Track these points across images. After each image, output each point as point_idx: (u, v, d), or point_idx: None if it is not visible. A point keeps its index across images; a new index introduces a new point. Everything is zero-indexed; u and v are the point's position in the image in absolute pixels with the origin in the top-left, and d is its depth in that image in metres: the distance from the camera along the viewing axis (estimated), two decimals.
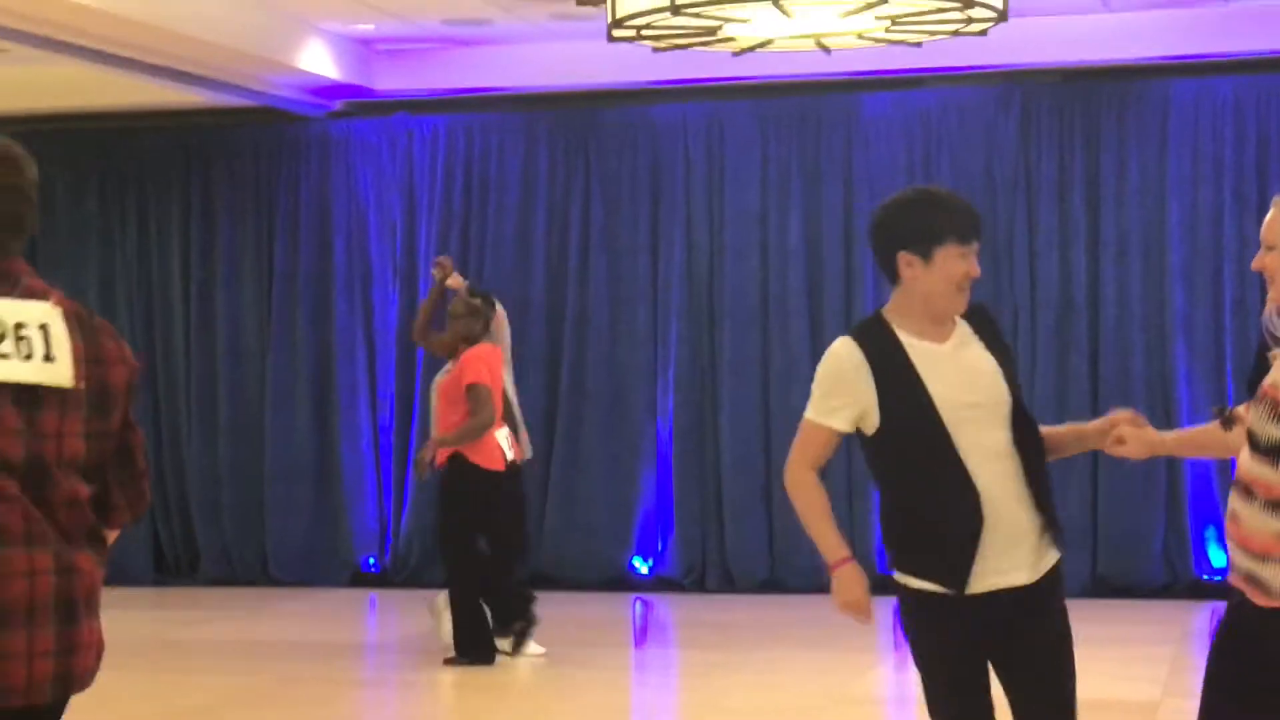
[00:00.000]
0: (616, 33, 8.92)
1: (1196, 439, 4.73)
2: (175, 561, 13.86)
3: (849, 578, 4.67)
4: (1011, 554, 4.56)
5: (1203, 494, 12.23)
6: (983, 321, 4.71)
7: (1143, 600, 12.16)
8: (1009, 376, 4.64)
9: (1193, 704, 8.61)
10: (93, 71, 11.78)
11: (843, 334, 4.70)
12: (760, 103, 12.98)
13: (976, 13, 8.67)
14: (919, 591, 4.60)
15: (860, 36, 9.31)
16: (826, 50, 9.54)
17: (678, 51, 9.88)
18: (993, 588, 4.54)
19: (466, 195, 13.42)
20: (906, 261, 4.56)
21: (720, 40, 9.29)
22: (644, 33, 9.02)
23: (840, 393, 4.58)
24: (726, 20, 8.81)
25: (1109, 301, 12.43)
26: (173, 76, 11.90)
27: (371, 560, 13.55)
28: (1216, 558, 12.23)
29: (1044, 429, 4.75)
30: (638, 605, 12.59)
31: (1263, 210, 13.30)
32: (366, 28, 12.35)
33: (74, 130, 13.83)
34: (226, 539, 13.70)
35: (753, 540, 12.79)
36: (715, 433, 12.90)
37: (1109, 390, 12.37)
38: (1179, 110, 12.34)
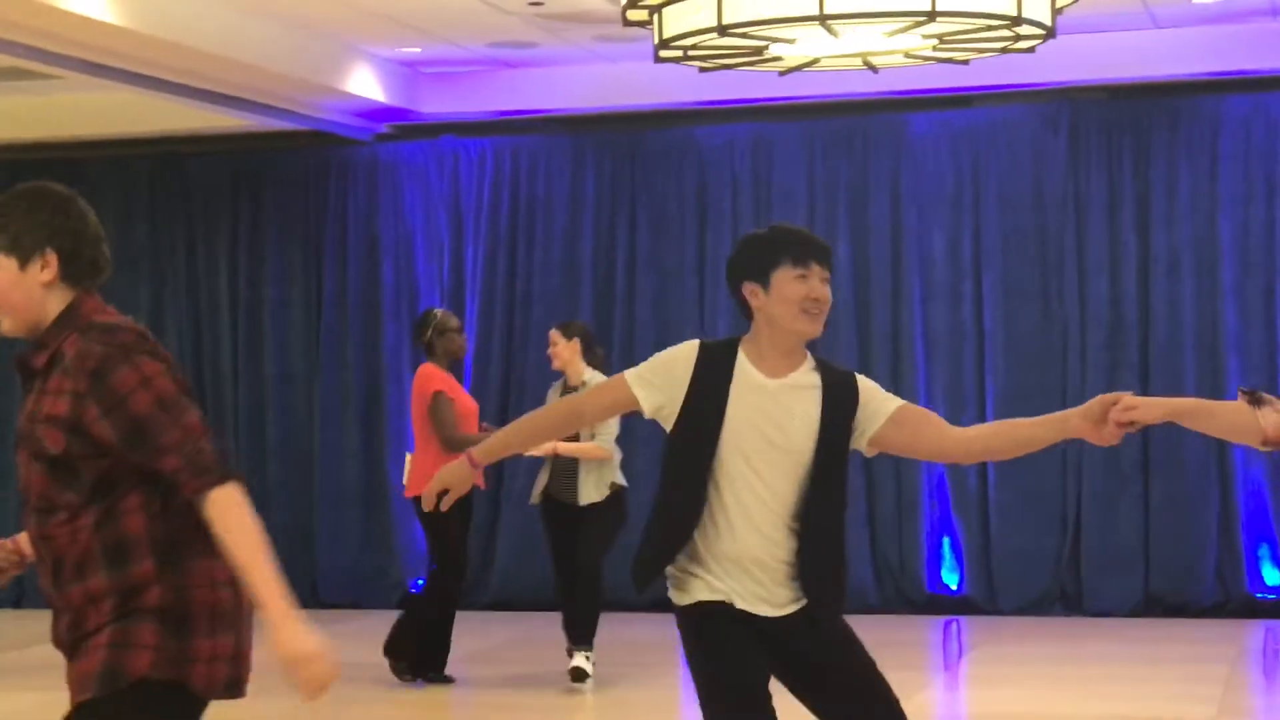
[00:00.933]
0: (663, 53, 8.93)
1: (1212, 408, 4.71)
2: None
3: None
4: (739, 580, 4.71)
5: (1256, 512, 12.14)
6: (840, 387, 4.79)
7: (1196, 619, 12.07)
8: (828, 439, 4.73)
9: None
10: (141, 97, 11.85)
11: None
12: (807, 123, 12.96)
13: (1024, 30, 8.64)
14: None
15: (907, 55, 9.29)
16: (873, 69, 9.52)
17: (724, 72, 9.88)
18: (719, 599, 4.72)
19: (513, 217, 13.44)
20: (750, 291, 4.78)
21: (767, 60, 9.28)
22: (690, 53, 9.02)
23: (659, 376, 4.80)
24: (773, 40, 8.80)
25: (1160, 319, 12.35)
26: (221, 101, 11.96)
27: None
28: (1270, 575, 12.13)
29: (1021, 421, 4.86)
30: None
31: None
32: (413, 51, 12.39)
33: (123, 156, 13.92)
34: (276, 562, 13.69)
35: None
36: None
37: None
38: (1229, 126, 12.27)
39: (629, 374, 4.87)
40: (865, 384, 4.85)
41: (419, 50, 12.36)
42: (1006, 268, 12.58)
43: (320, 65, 11.89)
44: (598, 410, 5.15)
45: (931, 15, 8.23)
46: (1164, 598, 12.28)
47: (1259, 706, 9.82)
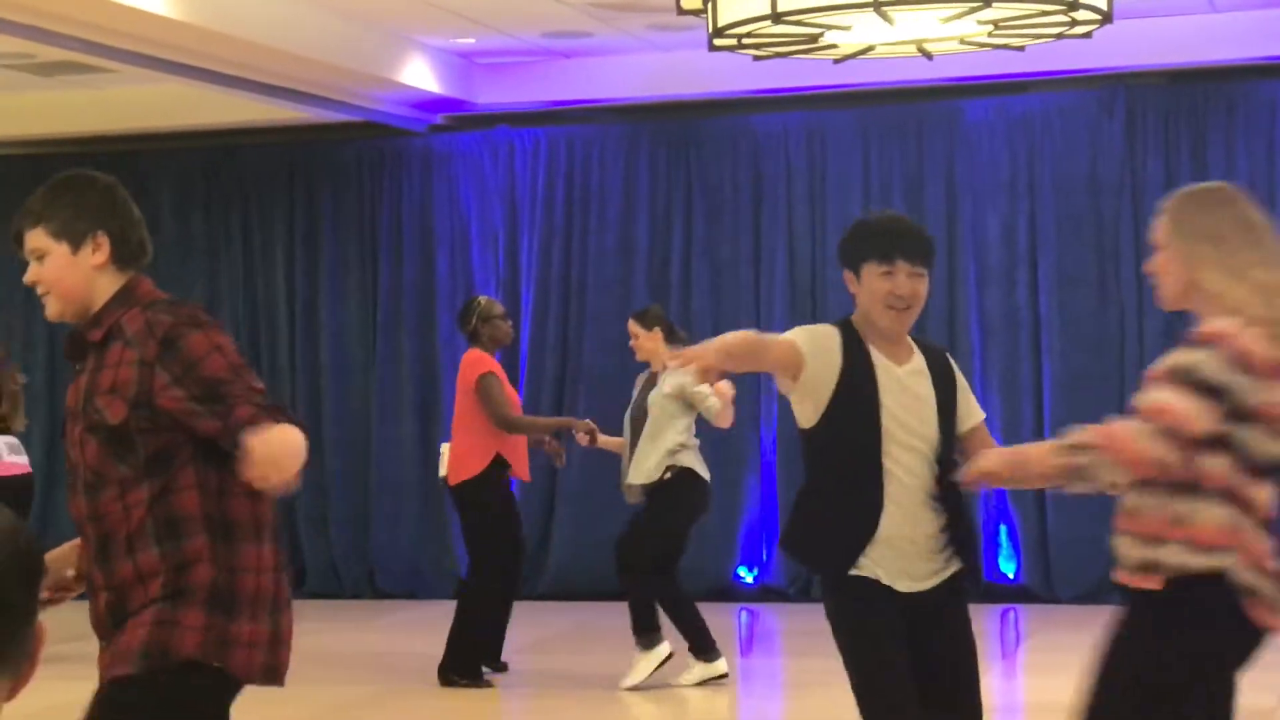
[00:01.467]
0: (718, 42, 8.90)
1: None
2: None
3: None
4: (888, 558, 4.77)
5: None
6: (940, 366, 4.94)
7: None
8: (945, 419, 4.85)
9: None
10: (196, 90, 11.91)
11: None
12: (862, 110, 12.92)
13: (1080, 15, 8.58)
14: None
15: (962, 41, 9.23)
16: (928, 56, 9.47)
17: (778, 60, 9.84)
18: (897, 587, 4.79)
19: (568, 206, 13.44)
20: (849, 279, 4.91)
21: (821, 48, 9.25)
22: (745, 41, 8.99)
23: (819, 351, 4.78)
24: (828, 28, 8.76)
25: None
26: (276, 93, 12.00)
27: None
28: None
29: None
30: (743, 615, 12.55)
31: None
32: (467, 42, 12.40)
33: (179, 149, 13.98)
34: (334, 552, 13.78)
35: None
36: None
37: None
38: None
39: (798, 338, 4.82)
40: (957, 370, 5.01)
41: (473, 41, 12.37)
42: (1062, 253, 12.52)
43: (375, 56, 11.92)
44: (773, 362, 4.94)
45: (987, 1, 8.19)
46: None
47: None
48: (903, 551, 4.77)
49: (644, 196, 13.31)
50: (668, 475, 9.51)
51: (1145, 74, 12.37)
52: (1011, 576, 12.52)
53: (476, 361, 9.84)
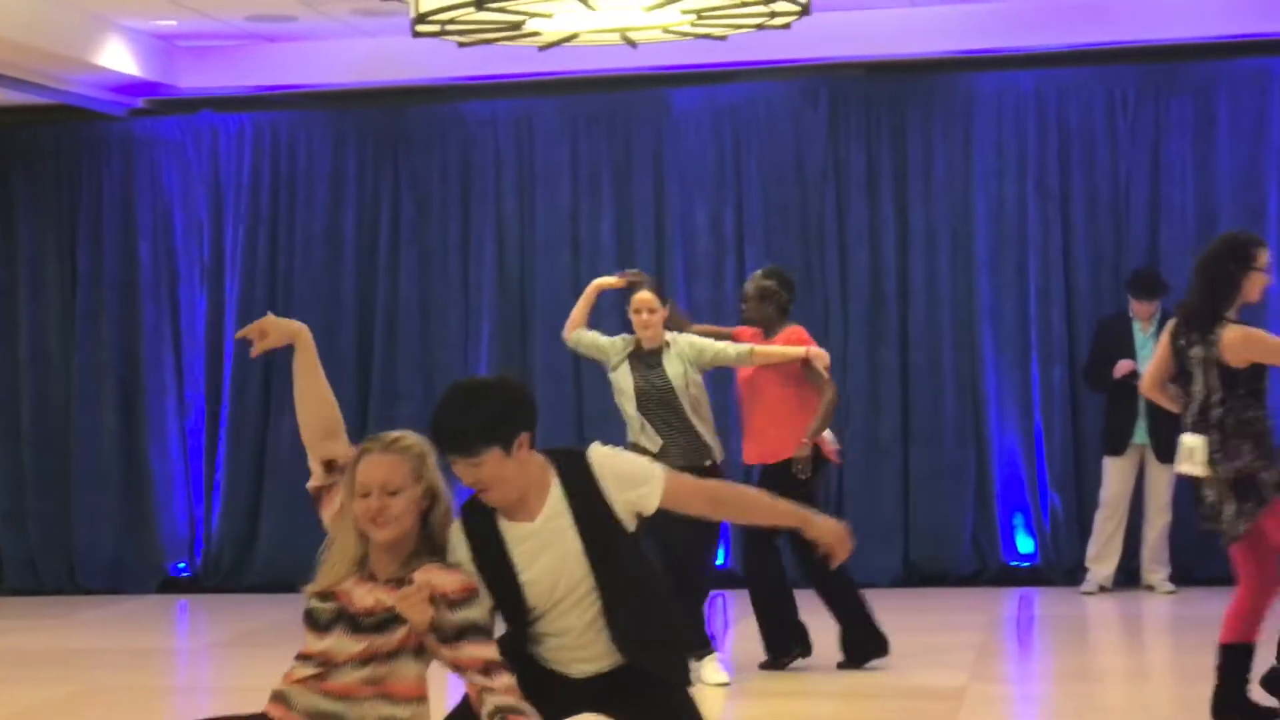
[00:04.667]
0: (420, 28, 8.84)
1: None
2: None
3: None
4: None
5: (1010, 481, 12.40)
6: (576, 475, 4.91)
7: (953, 588, 12.31)
8: (596, 538, 4.84)
9: (998, 689, 8.75)
10: None
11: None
12: (570, 98, 12.95)
13: (780, 6, 8.70)
14: None
15: (666, 30, 9.30)
16: (632, 44, 9.53)
17: (485, 47, 9.82)
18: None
19: (274, 194, 13.24)
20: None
21: (525, 35, 9.24)
22: (448, 28, 8.94)
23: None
24: (531, 15, 8.76)
25: (918, 292, 12.56)
26: None
27: (182, 565, 13.34)
28: (1024, 544, 12.41)
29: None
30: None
31: (1066, 202, 13.57)
32: (169, 24, 12.14)
33: None
34: (32, 547, 13.41)
35: None
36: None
37: (919, 380, 12.50)
38: (982, 104, 12.50)
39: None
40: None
41: (175, 23, 12.11)
42: (769, 242, 12.69)
43: (70, 37, 11.59)
44: None
45: None
46: (922, 567, 12.51)
47: (1009, 673, 10.04)
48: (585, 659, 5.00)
49: (351, 183, 13.17)
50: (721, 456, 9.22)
51: (846, 65, 12.60)
52: (720, 563, 12.67)
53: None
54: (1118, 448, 11.71)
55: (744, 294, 9.62)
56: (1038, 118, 12.42)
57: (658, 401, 9.10)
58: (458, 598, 4.70)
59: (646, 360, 9.20)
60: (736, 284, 12.71)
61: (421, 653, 4.74)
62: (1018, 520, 12.40)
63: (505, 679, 4.68)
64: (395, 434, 4.89)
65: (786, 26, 9.29)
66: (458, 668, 4.72)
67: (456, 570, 4.77)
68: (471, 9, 8.43)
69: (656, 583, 5.03)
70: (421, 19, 8.64)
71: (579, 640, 4.90)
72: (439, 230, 13.07)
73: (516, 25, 8.97)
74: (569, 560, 4.82)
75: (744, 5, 8.73)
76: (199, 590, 13.18)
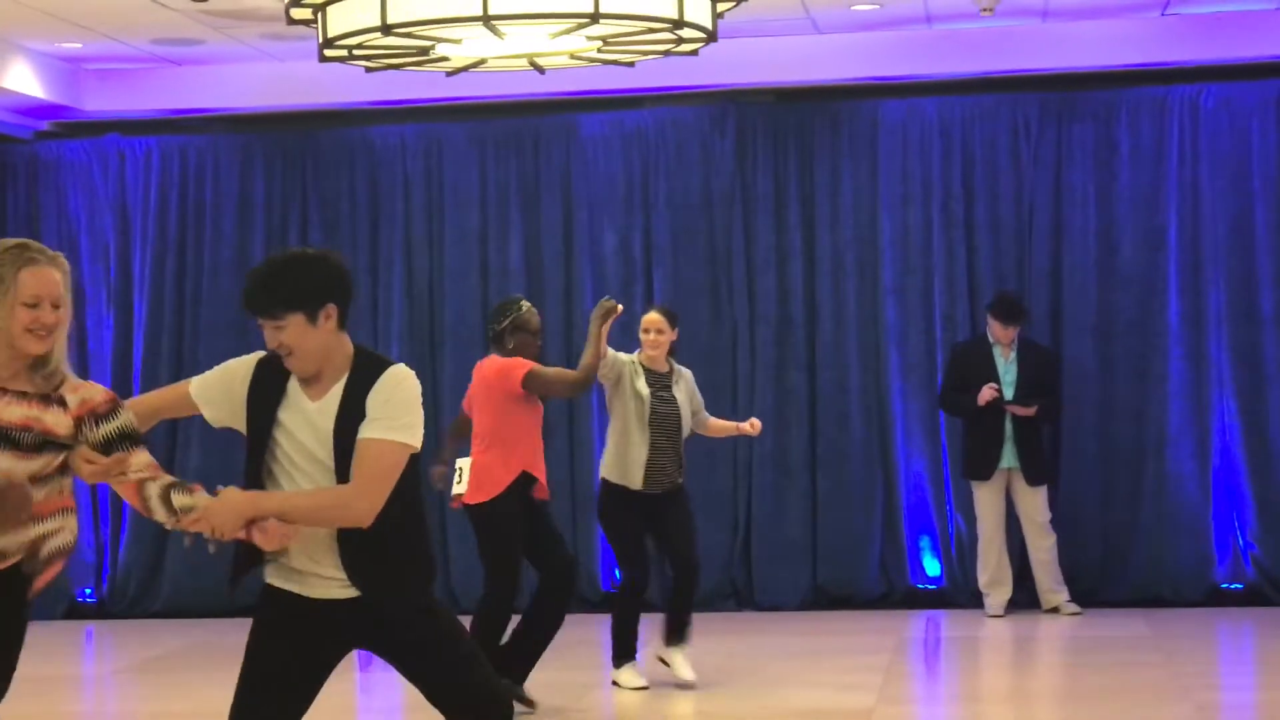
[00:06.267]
0: (328, 53, 8.84)
1: None
2: None
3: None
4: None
5: (917, 505, 12.50)
6: (363, 379, 4.96)
7: (861, 610, 12.38)
8: (348, 430, 4.88)
9: (905, 710, 8.82)
10: None
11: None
12: (478, 123, 12.98)
13: (686, 33, 8.75)
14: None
15: (573, 56, 9.34)
16: (540, 70, 9.56)
17: (394, 72, 9.82)
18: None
19: (182, 217, 13.19)
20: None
21: (433, 61, 9.25)
22: (356, 53, 8.94)
23: (218, 386, 5.06)
24: (439, 40, 8.78)
25: (825, 316, 12.65)
26: None
27: (88, 591, 13.24)
28: (931, 567, 12.51)
29: None
30: None
31: (970, 227, 13.67)
32: (74, 46, 12.07)
33: None
34: None
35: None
36: (437, 453, 12.78)
37: (826, 404, 12.59)
38: (887, 130, 12.62)
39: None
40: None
41: (80, 46, 12.04)
42: (677, 266, 12.76)
43: None
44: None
45: (594, 18, 8.28)
46: (831, 590, 12.58)
47: (916, 694, 10.12)
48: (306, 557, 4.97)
49: (259, 208, 13.14)
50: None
51: (753, 91, 12.69)
52: None
53: (510, 367, 8.98)
54: (984, 472, 11.82)
55: (536, 327, 9.26)
56: (942, 144, 12.55)
57: (662, 418, 9.46)
58: (105, 410, 4.88)
59: (660, 381, 9.56)
60: (646, 308, 12.74)
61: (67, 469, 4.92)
62: (924, 543, 12.50)
63: (158, 470, 4.90)
64: (49, 249, 5.05)
65: (694, 53, 9.34)
66: (108, 475, 4.85)
67: (94, 384, 4.97)
68: (379, 34, 8.44)
69: (402, 511, 4.94)
70: (329, 44, 8.64)
71: (305, 544, 4.89)
72: (348, 253, 13.02)
73: (425, 51, 8.98)
74: (320, 440, 4.89)
75: (651, 32, 8.78)
76: (105, 616, 13.09)
